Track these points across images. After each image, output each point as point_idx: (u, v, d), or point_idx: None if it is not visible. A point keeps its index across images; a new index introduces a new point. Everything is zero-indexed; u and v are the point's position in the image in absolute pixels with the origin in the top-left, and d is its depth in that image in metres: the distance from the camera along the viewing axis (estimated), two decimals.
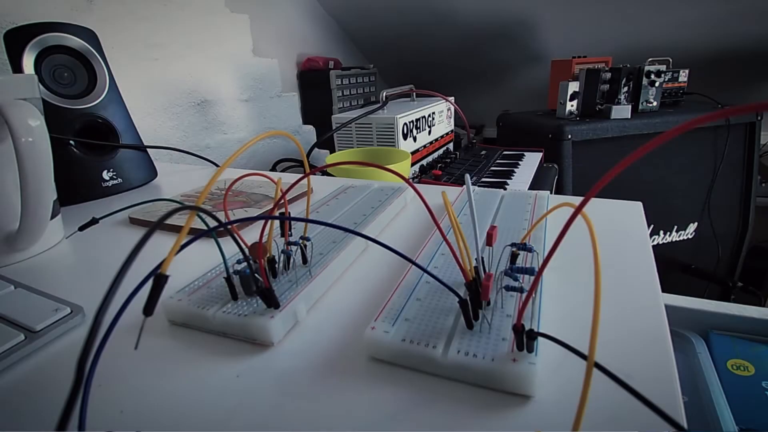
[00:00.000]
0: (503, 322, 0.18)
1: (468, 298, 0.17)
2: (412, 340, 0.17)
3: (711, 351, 0.31)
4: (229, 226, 0.17)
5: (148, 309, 0.14)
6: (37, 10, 0.59)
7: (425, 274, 0.22)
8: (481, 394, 0.16)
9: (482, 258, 0.20)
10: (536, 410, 0.15)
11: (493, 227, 0.22)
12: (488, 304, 0.19)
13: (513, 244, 0.23)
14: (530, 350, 0.16)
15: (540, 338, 0.16)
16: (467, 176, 0.20)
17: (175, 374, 0.18)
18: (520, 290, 0.19)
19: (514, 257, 0.23)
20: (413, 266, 0.23)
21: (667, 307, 0.20)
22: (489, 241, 0.21)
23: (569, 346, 0.15)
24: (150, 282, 0.14)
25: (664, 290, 0.22)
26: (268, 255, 0.23)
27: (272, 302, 0.20)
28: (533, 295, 0.17)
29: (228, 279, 0.21)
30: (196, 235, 0.16)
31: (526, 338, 0.16)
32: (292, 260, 0.24)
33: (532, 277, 0.21)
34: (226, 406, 0.16)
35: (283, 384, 0.17)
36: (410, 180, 0.21)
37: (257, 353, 0.19)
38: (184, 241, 0.14)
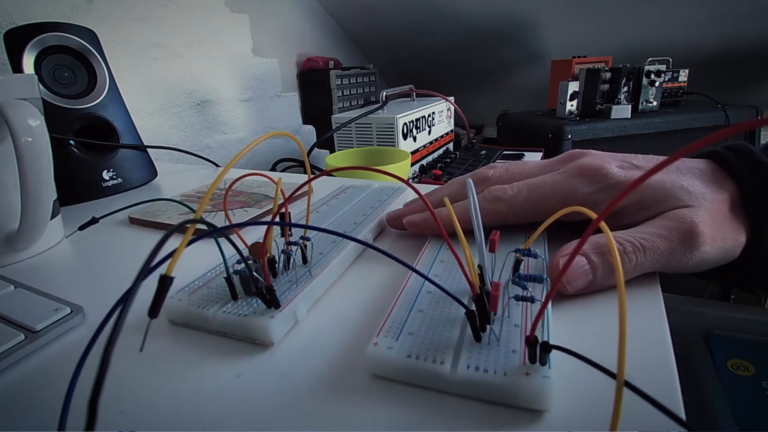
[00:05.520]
0: (511, 332, 0.17)
1: (475, 309, 0.17)
2: (417, 355, 0.16)
3: (711, 351, 0.31)
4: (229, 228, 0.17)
5: (153, 310, 0.14)
6: (37, 10, 0.59)
7: (426, 283, 0.21)
8: (493, 410, 0.15)
9: (485, 265, 0.19)
10: (552, 425, 0.15)
11: (495, 232, 0.21)
12: (494, 314, 0.18)
13: (517, 250, 0.22)
14: (543, 363, 0.15)
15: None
16: (470, 181, 0.19)
17: (175, 374, 0.18)
18: (531, 300, 0.18)
19: (517, 264, 0.22)
20: (413, 274, 0.22)
21: (667, 307, 0.20)
22: (492, 247, 0.21)
23: (596, 364, 0.14)
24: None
25: (664, 290, 0.22)
26: (267, 255, 0.23)
27: (273, 302, 0.20)
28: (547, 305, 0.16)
29: (228, 279, 0.21)
30: (198, 236, 0.16)
31: (540, 351, 0.15)
32: (292, 260, 0.24)
33: (540, 285, 0.21)
34: (226, 406, 0.16)
35: (283, 384, 0.17)
36: (409, 181, 0.21)
37: (257, 353, 0.19)
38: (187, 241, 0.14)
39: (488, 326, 0.17)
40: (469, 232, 0.18)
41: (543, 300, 0.15)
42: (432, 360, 0.16)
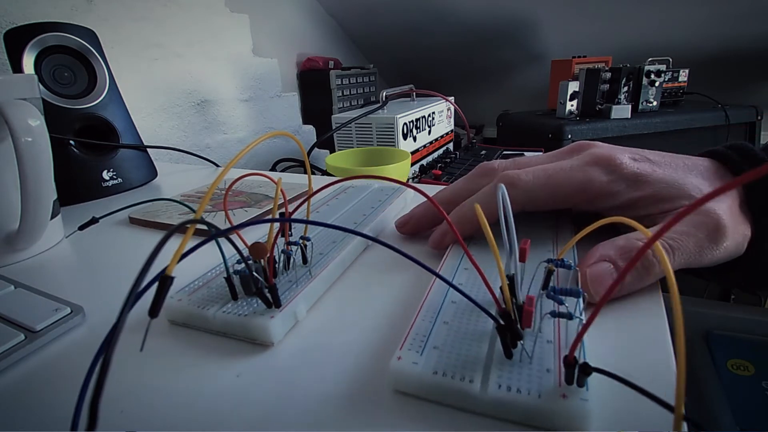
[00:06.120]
0: (544, 349, 0.16)
1: (506, 324, 0.15)
2: (445, 372, 0.15)
3: (711, 351, 0.31)
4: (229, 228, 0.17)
5: (154, 310, 0.14)
6: (37, 10, 0.59)
7: (450, 292, 0.20)
8: None
9: (517, 276, 0.17)
10: None
11: (525, 240, 0.19)
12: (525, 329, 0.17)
13: (549, 260, 0.20)
14: (580, 385, 0.14)
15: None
16: (501, 185, 0.17)
17: (175, 374, 0.18)
18: (569, 317, 0.17)
19: (548, 274, 0.20)
20: (436, 281, 0.20)
21: (667, 307, 0.20)
22: (522, 256, 0.19)
23: (652, 395, 0.13)
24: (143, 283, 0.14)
25: (664, 290, 0.22)
26: (267, 255, 0.23)
27: (273, 302, 0.20)
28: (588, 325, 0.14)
29: (228, 279, 0.21)
30: (200, 242, 0.16)
31: (578, 372, 0.14)
32: (292, 260, 0.24)
33: (577, 299, 0.18)
34: (226, 406, 0.16)
35: (283, 384, 0.17)
36: (411, 183, 0.21)
37: (257, 353, 0.19)
38: (186, 249, 0.14)
39: (519, 342, 0.16)
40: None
41: (585, 320, 0.14)
42: (460, 378, 0.15)
